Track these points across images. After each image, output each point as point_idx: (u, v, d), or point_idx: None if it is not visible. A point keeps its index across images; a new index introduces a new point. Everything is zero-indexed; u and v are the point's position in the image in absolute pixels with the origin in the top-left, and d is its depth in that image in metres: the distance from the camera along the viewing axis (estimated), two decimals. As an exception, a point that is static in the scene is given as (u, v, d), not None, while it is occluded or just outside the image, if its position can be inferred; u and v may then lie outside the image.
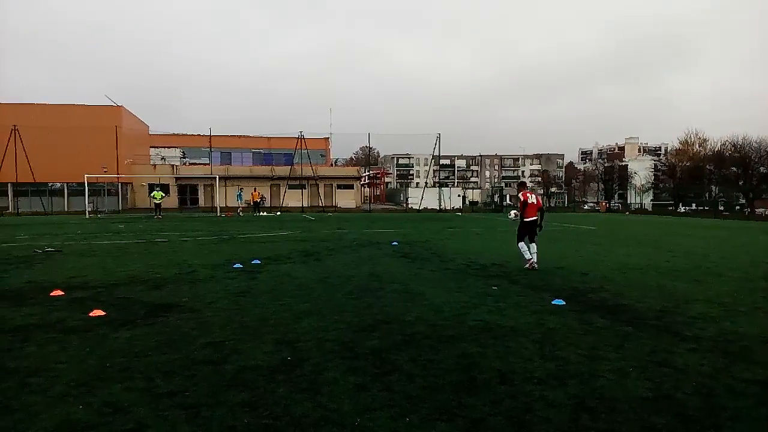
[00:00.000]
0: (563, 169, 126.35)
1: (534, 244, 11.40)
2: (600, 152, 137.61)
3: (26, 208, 46.94)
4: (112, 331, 6.19)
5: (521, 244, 11.45)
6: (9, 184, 46.97)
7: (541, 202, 11.79)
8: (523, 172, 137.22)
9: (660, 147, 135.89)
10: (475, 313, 7.13)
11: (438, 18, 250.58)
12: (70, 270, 11.04)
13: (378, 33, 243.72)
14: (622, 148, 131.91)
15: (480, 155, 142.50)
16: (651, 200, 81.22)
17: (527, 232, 11.43)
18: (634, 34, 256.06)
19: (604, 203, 68.78)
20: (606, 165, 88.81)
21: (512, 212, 11.81)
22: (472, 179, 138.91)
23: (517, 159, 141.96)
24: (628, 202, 77.61)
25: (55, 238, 18.94)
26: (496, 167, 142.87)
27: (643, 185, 78.15)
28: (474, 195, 79.15)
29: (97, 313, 6.99)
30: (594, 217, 44.56)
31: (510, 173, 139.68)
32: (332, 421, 3.78)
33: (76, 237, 19.73)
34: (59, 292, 8.41)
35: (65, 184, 49.66)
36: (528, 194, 11.49)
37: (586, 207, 73.05)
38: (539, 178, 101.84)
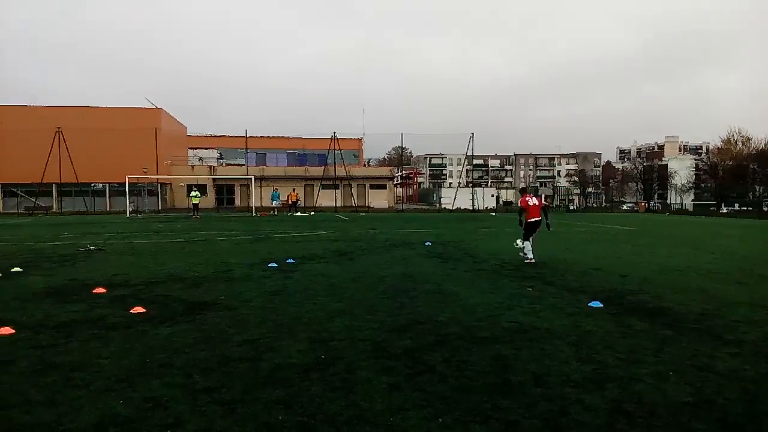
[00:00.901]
0: (600, 169, 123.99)
1: (527, 241, 12.31)
2: (639, 151, 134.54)
3: (70, 207, 48.53)
4: (152, 327, 6.36)
5: (527, 244, 12.30)
6: (53, 185, 48.58)
7: (542, 202, 12.75)
8: (558, 171, 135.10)
9: (701, 146, 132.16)
10: (510, 314, 7.06)
11: (469, 16, 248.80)
12: (111, 268, 11.38)
13: (410, 33, 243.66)
14: (661, 147, 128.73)
15: (514, 154, 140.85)
16: (692, 200, 78.97)
17: (533, 231, 12.37)
18: (670, 29, 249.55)
19: (643, 203, 67.17)
20: (645, 164, 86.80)
21: (518, 242, 12.60)
22: (506, 179, 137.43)
23: (553, 158, 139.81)
24: (668, 202, 75.66)
25: (98, 237, 19.52)
26: (531, 167, 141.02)
27: (683, 185, 76.08)
28: (508, 195, 78.30)
29: (138, 310, 7.19)
30: (633, 217, 43.55)
31: (545, 173, 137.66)
32: (365, 420, 3.80)
33: (117, 236, 20.31)
34: (101, 290, 8.67)
35: (107, 185, 51.10)
36: (527, 198, 12.52)
37: (624, 207, 71.50)
38: (575, 178, 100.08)
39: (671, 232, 23.91)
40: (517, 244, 12.58)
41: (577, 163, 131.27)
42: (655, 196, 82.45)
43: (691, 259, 13.20)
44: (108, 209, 49.44)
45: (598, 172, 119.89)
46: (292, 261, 12.23)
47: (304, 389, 4.38)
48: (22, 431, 3.61)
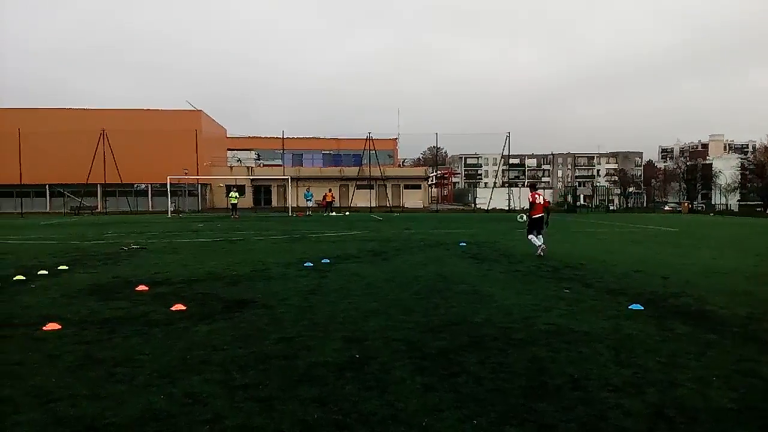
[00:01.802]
0: (642, 168, 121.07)
1: (541, 236, 13.52)
2: (682, 150, 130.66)
3: (113, 207, 50.05)
4: (192, 325, 6.51)
5: (530, 237, 13.57)
6: (98, 185, 50.16)
7: (547, 202, 14.09)
8: (598, 171, 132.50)
9: (747, 144, 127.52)
10: (547, 316, 6.96)
11: (506, 16, 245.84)
12: (153, 266, 11.69)
13: (446, 33, 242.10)
14: (705, 146, 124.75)
15: (552, 154, 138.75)
16: (737, 201, 76.26)
17: (535, 226, 13.56)
18: (712, 24, 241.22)
19: (686, 204, 65.25)
20: (688, 163, 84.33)
21: (524, 216, 13.67)
22: (544, 179, 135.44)
23: (592, 157, 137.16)
24: (713, 202, 73.30)
25: (140, 237, 20.08)
26: (569, 166, 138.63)
27: (728, 185, 73.59)
28: (545, 195, 77.19)
29: (179, 307, 7.36)
30: (675, 218, 42.36)
31: (584, 172, 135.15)
32: (400, 420, 3.80)
33: (159, 235, 20.84)
34: (144, 288, 8.92)
35: (149, 185, 52.50)
36: (536, 195, 13.71)
37: (666, 208, 69.57)
38: (615, 177, 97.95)
39: (715, 234, 23.17)
40: (521, 218, 14.28)
41: (617, 163, 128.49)
42: (699, 196, 80.00)
43: (737, 261, 12.76)
44: (150, 209, 50.79)
45: (639, 171, 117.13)
46: (327, 261, 12.33)
47: (338, 388, 4.41)
48: (68, 424, 3.74)
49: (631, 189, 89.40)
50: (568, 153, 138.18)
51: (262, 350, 5.45)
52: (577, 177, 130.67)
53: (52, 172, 49.21)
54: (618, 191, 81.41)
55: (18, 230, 24.41)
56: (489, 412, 3.93)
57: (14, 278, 9.83)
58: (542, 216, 13.45)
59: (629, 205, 74.44)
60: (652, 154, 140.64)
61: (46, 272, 10.61)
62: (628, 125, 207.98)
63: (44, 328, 6.27)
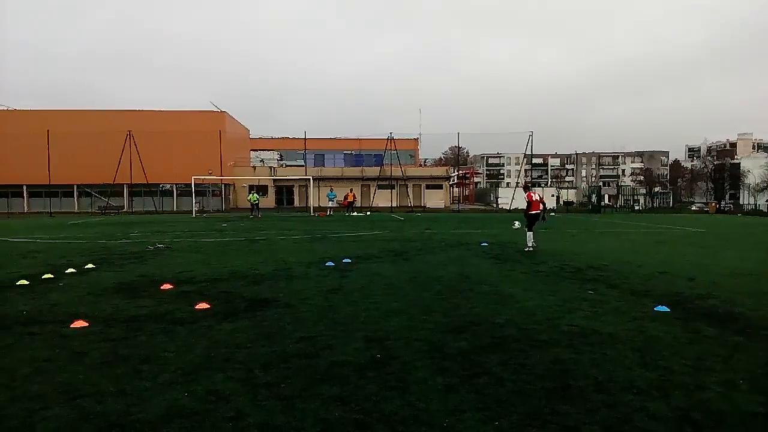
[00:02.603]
0: (668, 168, 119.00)
1: (532, 232, 14.88)
2: (709, 149, 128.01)
3: (139, 207, 50.88)
4: (216, 323, 6.59)
5: (529, 233, 14.78)
6: (125, 185, 51.04)
7: (543, 198, 15.60)
8: (623, 170, 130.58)
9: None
10: (570, 317, 6.88)
11: (527, 15, 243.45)
12: (178, 265, 11.86)
13: (466, 32, 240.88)
14: (733, 145, 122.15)
15: (576, 153, 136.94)
16: (766, 201, 74.43)
17: (534, 222, 14.92)
18: (739, 21, 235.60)
19: (713, 204, 63.90)
20: (716, 163, 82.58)
21: (516, 223, 16.06)
22: (567, 178, 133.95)
23: (617, 157, 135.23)
24: (741, 203, 71.62)
25: (165, 236, 20.38)
26: (594, 166, 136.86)
27: (757, 185, 71.86)
28: (569, 195, 76.25)
29: (202, 306, 7.46)
30: (702, 218, 41.55)
31: (609, 172, 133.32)
32: (421, 420, 3.80)
33: (183, 235, 21.13)
34: (168, 286, 9.05)
35: (174, 185, 53.24)
36: (531, 194, 15.16)
37: (693, 208, 68.24)
38: (641, 177, 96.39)
39: (743, 234, 22.66)
40: (514, 226, 15.70)
41: (642, 162, 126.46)
42: (727, 196, 78.27)
43: (765, 263, 12.46)
44: (175, 209, 51.50)
45: (665, 171, 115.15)
46: (348, 260, 12.37)
47: (360, 387, 4.42)
48: (94, 420, 3.81)
49: (656, 189, 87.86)
50: (592, 152, 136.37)
51: (284, 349, 5.49)
52: (601, 177, 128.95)
53: (80, 172, 50.19)
54: (643, 191, 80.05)
55: (47, 229, 24.97)
56: (511, 414, 3.90)
57: (43, 276, 10.06)
58: (539, 212, 14.96)
59: (655, 205, 73.17)
60: (678, 154, 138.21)
61: (74, 271, 10.83)
62: (654, 124, 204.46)
63: (72, 325, 6.40)
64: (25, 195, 51.84)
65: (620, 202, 66.04)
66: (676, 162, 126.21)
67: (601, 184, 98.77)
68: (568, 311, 7.24)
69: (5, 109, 53.04)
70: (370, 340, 5.79)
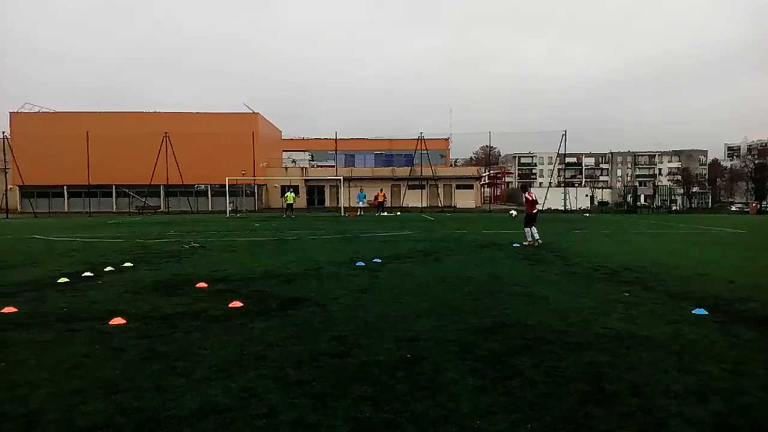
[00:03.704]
0: (706, 167, 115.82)
1: (534, 228, 16.03)
2: (749, 148, 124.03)
3: (175, 207, 51.94)
4: (249, 321, 6.68)
5: (531, 229, 15.89)
6: (161, 186, 52.18)
7: (536, 201, 16.97)
8: (660, 169, 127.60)
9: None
10: (604, 320, 6.76)
11: (559, 13, 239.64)
12: (212, 264, 12.07)
13: (497, 31, 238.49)
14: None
15: (611, 152, 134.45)
16: (812, 201, 71.70)
17: (533, 220, 16.07)
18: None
19: (754, 204, 61.82)
20: (756, 162, 79.92)
21: (513, 211, 17.24)
22: (602, 178, 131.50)
23: (653, 156, 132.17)
24: (785, 202, 69.08)
25: (200, 235, 20.76)
26: (629, 165, 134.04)
27: (801, 184, 69.28)
28: (604, 195, 74.84)
29: (236, 304, 7.58)
30: (743, 219, 40.25)
31: (645, 171, 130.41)
32: (451, 421, 3.79)
33: (217, 234, 21.50)
34: (203, 285, 9.22)
35: (209, 186, 54.19)
36: (532, 193, 16.94)
37: (733, 208, 66.20)
38: (678, 177, 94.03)
39: (789, 236, 21.87)
40: (512, 214, 16.81)
41: (680, 161, 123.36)
42: (769, 196, 75.68)
43: (813, 266, 12.00)
44: (210, 209, 52.43)
45: (703, 170, 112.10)
46: (378, 260, 12.39)
47: (390, 387, 4.43)
48: (131, 415, 3.91)
49: (695, 188, 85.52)
50: (628, 151, 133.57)
51: (316, 347, 5.54)
52: (637, 176, 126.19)
53: (118, 173, 51.47)
54: (681, 191, 78.08)
55: (86, 229, 25.71)
56: (543, 417, 3.85)
57: (82, 274, 10.36)
58: (537, 212, 16.37)
59: (693, 205, 71.24)
60: (717, 153, 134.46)
61: (113, 269, 11.12)
62: (691, 122, 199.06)
63: (110, 322, 6.58)
64: (65, 195, 53.46)
65: (657, 202, 64.42)
66: (715, 161, 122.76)
67: (637, 183, 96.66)
68: (602, 313, 7.11)
69: (47, 111, 54.77)
70: (401, 340, 5.80)
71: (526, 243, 15.85)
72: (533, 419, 3.81)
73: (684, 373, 4.79)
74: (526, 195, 16.90)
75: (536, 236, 15.96)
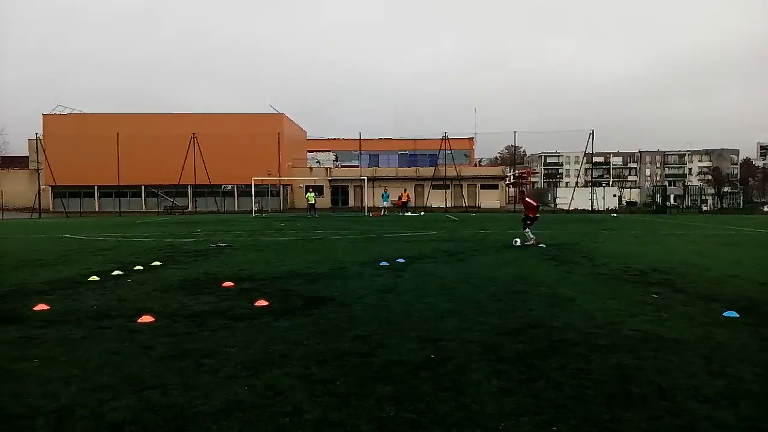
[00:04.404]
0: (738, 166, 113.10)
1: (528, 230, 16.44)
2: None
3: (203, 207, 52.69)
4: (274, 320, 6.75)
5: (529, 231, 16.34)
6: (189, 186, 52.96)
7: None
8: (690, 169, 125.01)
9: None
10: (632, 322, 6.65)
11: (584, 8, 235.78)
12: (238, 263, 12.22)
13: (522, 31, 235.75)
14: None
15: (639, 151, 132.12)
16: None
17: (532, 222, 16.62)
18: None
19: (789, 204, 60.15)
20: (792, 161, 77.70)
21: (517, 240, 16.49)
22: (630, 177, 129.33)
23: (683, 155, 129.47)
24: (822, 202, 67.10)
25: (227, 235, 21.03)
26: (658, 164, 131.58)
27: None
28: (632, 195, 73.61)
29: (262, 303, 7.66)
30: (777, 219, 39.20)
31: (675, 171, 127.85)
32: (475, 422, 3.77)
33: (244, 234, 21.74)
34: (230, 284, 9.34)
35: (235, 186, 54.82)
36: (531, 199, 17.60)
37: (765, 209, 64.48)
38: (709, 176, 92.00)
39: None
40: (528, 237, 16.27)
41: (711, 161, 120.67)
42: (805, 196, 73.53)
43: None
44: (236, 209, 53.00)
45: (735, 170, 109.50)
46: (402, 260, 12.39)
47: (414, 387, 4.43)
48: (159, 411, 3.98)
49: (726, 188, 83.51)
50: (657, 150, 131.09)
51: (340, 347, 5.57)
52: (666, 176, 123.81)
53: (147, 173, 52.40)
54: (712, 191, 76.36)
55: (116, 228, 26.24)
56: (569, 419, 3.81)
57: (112, 273, 10.59)
58: (537, 216, 16.98)
59: (724, 205, 69.65)
60: (749, 152, 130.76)
61: (142, 268, 11.34)
62: (722, 120, 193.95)
63: (139, 320, 6.71)
64: (96, 195, 54.62)
65: (687, 202, 63.17)
66: (747, 160, 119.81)
67: (666, 183, 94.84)
68: (630, 315, 7.00)
69: (78, 113, 56.03)
70: (424, 341, 5.79)
71: (533, 243, 16.10)
72: (559, 421, 3.78)
73: (714, 376, 4.69)
74: (531, 201, 17.39)
75: (532, 236, 16.35)
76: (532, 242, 16.11)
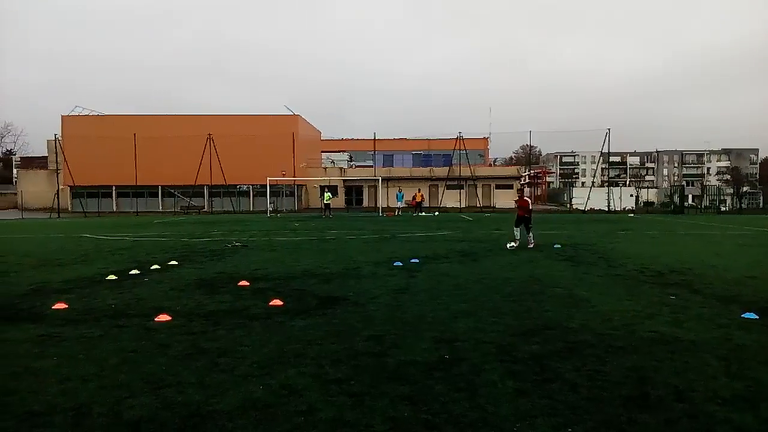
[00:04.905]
0: (758, 166, 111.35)
1: (518, 230, 15.87)
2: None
3: (219, 207, 53.05)
4: (289, 319, 6.79)
5: (517, 232, 15.74)
6: (205, 186, 53.37)
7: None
8: (708, 169, 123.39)
9: None
10: (649, 323, 6.58)
11: (600, 7, 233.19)
12: (254, 263, 12.29)
13: (536, 30, 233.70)
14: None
15: (656, 151, 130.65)
16: None
17: (520, 223, 15.96)
18: None
19: (811, 205, 59.07)
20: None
21: (512, 244, 15.50)
22: (647, 177, 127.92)
23: (701, 154, 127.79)
24: (844, 203, 65.81)
25: (242, 234, 21.17)
26: (676, 164, 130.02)
27: None
28: (649, 195, 72.79)
29: (276, 302, 7.70)
30: (798, 220, 38.53)
31: (693, 170, 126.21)
32: (490, 423, 3.76)
33: (259, 233, 21.87)
34: (245, 283, 9.41)
35: (251, 186, 55.15)
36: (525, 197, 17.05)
37: (787, 209, 63.34)
38: (728, 176, 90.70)
39: None
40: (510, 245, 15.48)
41: (729, 160, 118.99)
42: (827, 196, 72.14)
43: None
44: (251, 209, 53.33)
45: (754, 169, 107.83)
46: (416, 260, 12.38)
47: (428, 387, 4.43)
48: (176, 409, 4.02)
49: (745, 188, 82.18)
50: (675, 150, 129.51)
51: (354, 346, 5.58)
52: (684, 176, 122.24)
53: (164, 174, 52.91)
54: (730, 191, 75.26)
55: (133, 228, 26.53)
56: (585, 421, 3.78)
57: (130, 272, 10.71)
58: (527, 216, 16.01)
59: (743, 206, 68.60)
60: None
61: (159, 267, 11.45)
62: (741, 120, 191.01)
63: (156, 319, 6.78)
64: (113, 195, 55.26)
65: (705, 202, 62.31)
66: (767, 160, 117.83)
67: (684, 183, 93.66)
68: (647, 317, 6.93)
69: (96, 114, 56.73)
70: (438, 341, 5.78)
71: (511, 245, 15.46)
72: (574, 423, 3.75)
73: (732, 378, 4.63)
74: (526, 198, 17.08)
75: (517, 236, 15.76)
76: (513, 244, 15.43)
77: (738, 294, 8.45)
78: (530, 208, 16.55)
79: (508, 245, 15.41)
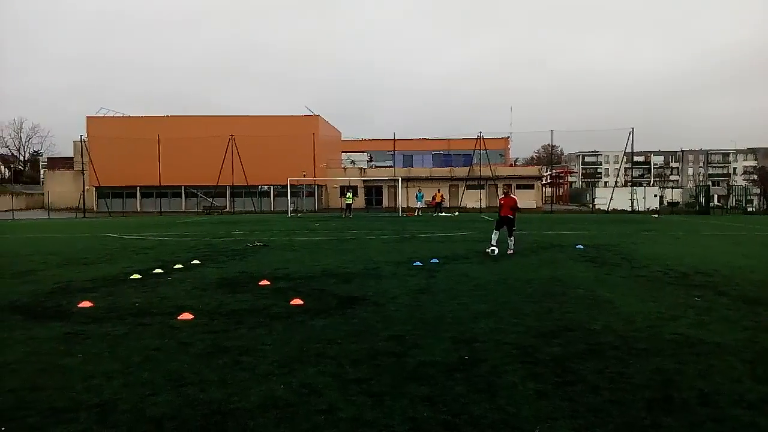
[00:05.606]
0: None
1: (497, 234, 14.30)
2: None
3: (240, 207, 53.56)
4: (309, 319, 6.83)
5: (496, 236, 14.17)
6: (227, 187, 53.93)
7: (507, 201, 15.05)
8: (734, 168, 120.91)
9: None
10: (673, 325, 6.48)
11: (623, 5, 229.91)
12: (275, 263, 12.38)
13: (557, 29, 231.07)
14: None
15: (681, 150, 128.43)
16: None
17: (504, 224, 14.43)
18: None
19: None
20: None
21: (495, 250, 13.95)
22: (672, 177, 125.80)
23: (727, 154, 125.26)
24: None
25: (263, 234, 21.34)
26: (701, 164, 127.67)
27: None
28: (674, 195, 71.57)
29: (297, 302, 7.75)
30: (829, 220, 37.55)
31: (718, 170, 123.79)
32: (511, 425, 3.73)
33: (279, 233, 22.02)
34: (266, 282, 9.48)
35: (271, 187, 55.57)
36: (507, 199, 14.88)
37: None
38: (754, 176, 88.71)
39: None
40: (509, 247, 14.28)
41: (756, 160, 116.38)
42: None
43: None
44: (272, 209, 53.75)
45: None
46: (436, 261, 12.35)
47: (448, 388, 4.42)
48: (198, 407, 4.08)
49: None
50: (700, 149, 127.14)
51: (374, 346, 5.59)
52: (710, 175, 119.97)
53: (186, 174, 53.57)
54: (757, 191, 73.64)
55: (157, 228, 26.91)
56: (607, 424, 3.74)
57: (153, 271, 10.87)
58: (512, 217, 14.51)
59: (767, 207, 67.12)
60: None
61: (182, 266, 11.60)
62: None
63: (179, 317, 6.87)
64: (138, 195, 56.11)
65: (731, 202, 61.09)
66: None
67: (709, 183, 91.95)
68: (671, 319, 6.82)
69: (121, 116, 57.66)
70: (458, 342, 5.77)
71: (490, 249, 13.89)
72: (596, 426, 3.71)
73: (758, 382, 4.53)
74: (513, 195, 15.27)
75: (495, 241, 14.10)
76: (494, 249, 13.82)
77: (764, 296, 8.28)
78: (517, 207, 14.84)
79: (488, 250, 13.91)
